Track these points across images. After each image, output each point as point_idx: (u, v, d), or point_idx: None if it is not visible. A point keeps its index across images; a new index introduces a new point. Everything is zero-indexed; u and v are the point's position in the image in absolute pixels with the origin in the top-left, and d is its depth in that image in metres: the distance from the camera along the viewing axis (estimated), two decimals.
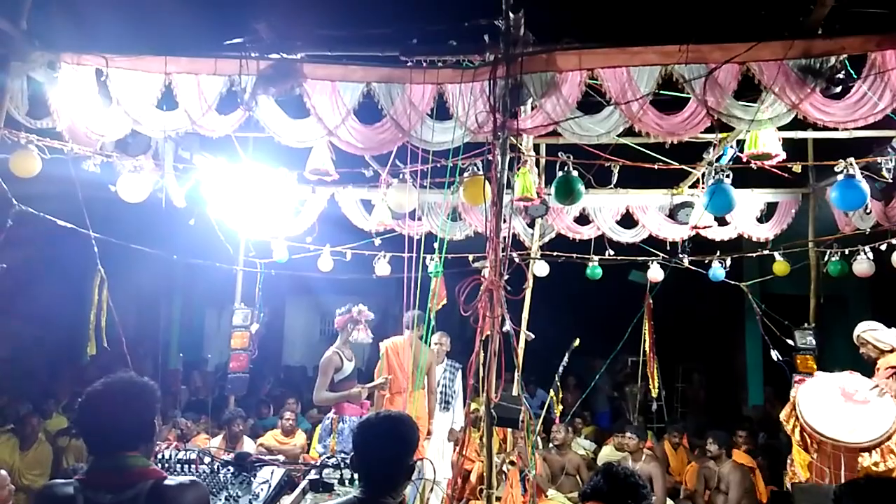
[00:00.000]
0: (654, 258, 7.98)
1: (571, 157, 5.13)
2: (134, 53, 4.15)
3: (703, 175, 5.73)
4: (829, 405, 4.74)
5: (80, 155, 5.04)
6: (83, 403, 2.15)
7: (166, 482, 2.14)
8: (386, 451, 2.31)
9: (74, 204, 4.64)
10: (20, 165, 4.65)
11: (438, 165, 5.24)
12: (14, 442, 6.63)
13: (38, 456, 6.69)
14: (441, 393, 6.56)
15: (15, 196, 4.27)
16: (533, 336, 6.41)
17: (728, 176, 4.86)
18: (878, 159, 5.20)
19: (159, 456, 3.99)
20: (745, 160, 5.07)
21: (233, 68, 4.08)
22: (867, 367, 5.17)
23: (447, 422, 6.56)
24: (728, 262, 7.98)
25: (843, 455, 4.57)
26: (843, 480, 4.48)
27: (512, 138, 4.03)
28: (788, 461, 5.27)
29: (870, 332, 5.19)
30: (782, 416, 5.05)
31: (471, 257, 7.71)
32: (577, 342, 6.18)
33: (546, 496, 6.55)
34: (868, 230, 6.22)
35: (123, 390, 2.17)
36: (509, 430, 6.31)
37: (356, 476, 3.35)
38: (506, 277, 3.75)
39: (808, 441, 4.75)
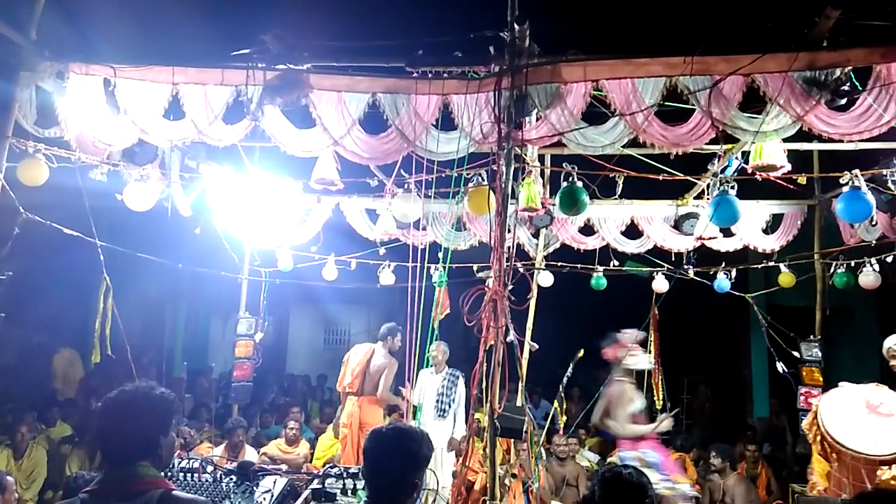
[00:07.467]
0: (659, 269, 7.96)
1: (576, 168, 5.13)
2: (142, 63, 4.17)
3: (708, 186, 5.73)
4: (852, 416, 4.66)
5: (87, 164, 5.07)
6: (101, 413, 2.17)
7: (175, 493, 2.14)
8: (392, 464, 2.30)
9: (81, 212, 4.66)
10: (27, 174, 4.67)
11: (443, 175, 5.25)
12: (8, 452, 6.55)
13: (31, 464, 6.62)
14: (437, 401, 6.57)
15: (22, 204, 4.29)
16: (537, 346, 6.40)
17: (733, 187, 4.85)
18: (884, 171, 5.18)
19: None
20: (750, 171, 5.06)
21: (240, 78, 4.10)
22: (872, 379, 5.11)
23: (444, 430, 6.55)
24: (733, 273, 7.97)
25: (862, 467, 4.48)
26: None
27: (517, 149, 4.03)
28: (809, 470, 5.22)
29: None
30: (804, 424, 5.00)
31: (475, 267, 7.71)
32: (581, 353, 6.17)
33: None
34: (874, 242, 6.20)
35: (141, 400, 2.18)
36: (512, 441, 6.29)
37: (361, 486, 3.34)
38: (510, 287, 3.75)
39: (829, 451, 4.71)
